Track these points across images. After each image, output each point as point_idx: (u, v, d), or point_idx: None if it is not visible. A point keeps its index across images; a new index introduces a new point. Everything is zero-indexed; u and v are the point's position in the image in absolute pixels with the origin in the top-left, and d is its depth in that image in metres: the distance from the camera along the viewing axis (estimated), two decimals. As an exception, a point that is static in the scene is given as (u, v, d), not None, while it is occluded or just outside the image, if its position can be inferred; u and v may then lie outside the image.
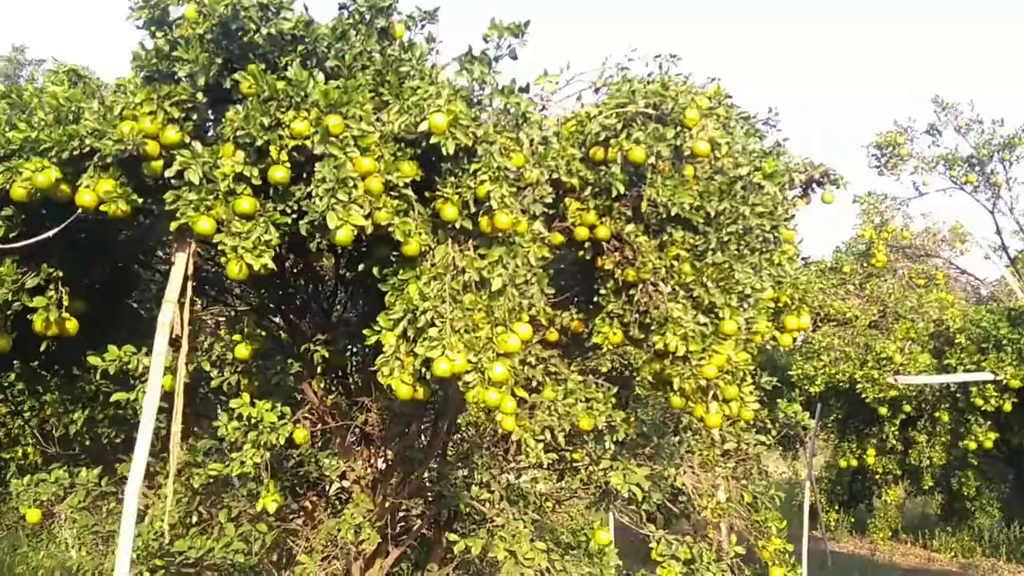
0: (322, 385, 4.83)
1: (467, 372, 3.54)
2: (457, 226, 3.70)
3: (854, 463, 10.18)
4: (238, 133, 3.40)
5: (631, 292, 4.42)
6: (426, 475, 5.53)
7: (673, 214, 4.19)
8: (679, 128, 4.27)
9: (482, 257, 3.71)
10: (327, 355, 4.56)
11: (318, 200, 3.26)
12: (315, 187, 3.28)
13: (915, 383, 8.55)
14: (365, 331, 3.71)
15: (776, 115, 5.45)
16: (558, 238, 4.60)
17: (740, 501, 5.22)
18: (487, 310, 3.65)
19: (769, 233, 4.58)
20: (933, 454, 10.86)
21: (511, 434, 4.42)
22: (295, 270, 4.92)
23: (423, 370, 3.57)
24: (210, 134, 3.79)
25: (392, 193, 3.53)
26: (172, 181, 3.51)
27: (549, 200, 4.12)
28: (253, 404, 4.23)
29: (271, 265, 3.48)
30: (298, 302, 5.03)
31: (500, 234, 3.72)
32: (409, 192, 3.58)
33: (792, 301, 4.87)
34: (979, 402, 8.50)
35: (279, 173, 3.43)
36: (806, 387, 9.31)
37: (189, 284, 3.96)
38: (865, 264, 9.97)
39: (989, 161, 11.51)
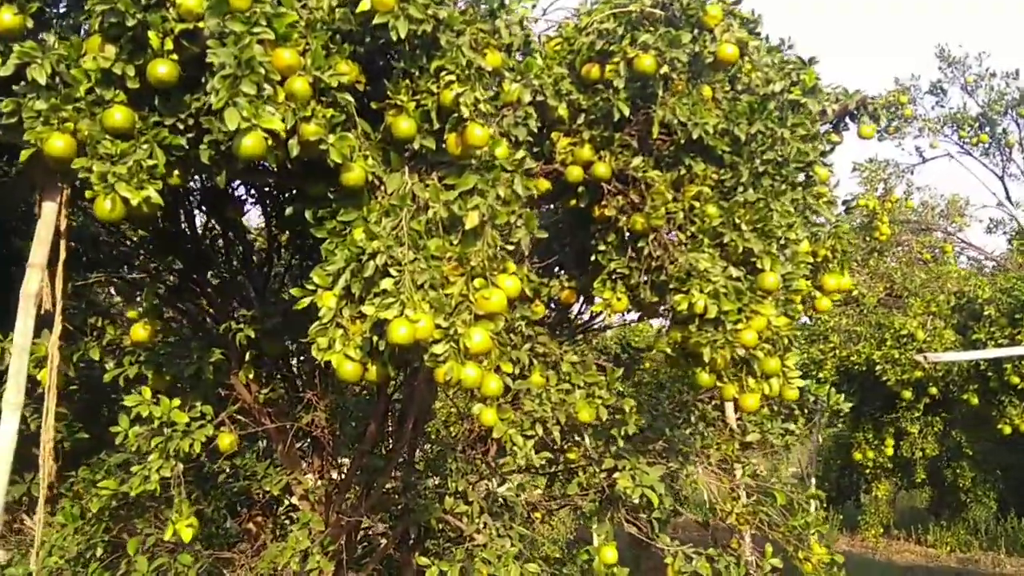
0: (252, 376, 3.82)
1: (435, 341, 2.58)
2: (416, 146, 2.74)
3: (871, 455, 9.32)
4: (101, 11, 2.41)
5: (639, 245, 3.53)
6: (389, 486, 4.58)
7: (695, 137, 3.27)
8: (697, 31, 3.36)
9: (451, 188, 2.75)
10: (252, 336, 3.56)
11: (214, 96, 2.27)
12: (210, 78, 2.30)
13: (946, 360, 7.70)
14: (294, 291, 2.73)
15: (790, 46, 4.59)
16: (543, 184, 3.68)
17: (772, 503, 4.29)
18: (460, 259, 2.69)
19: (807, 168, 3.69)
20: (926, 445, 10.14)
21: (492, 431, 3.50)
22: (213, 231, 3.91)
23: (375, 339, 2.59)
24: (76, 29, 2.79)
25: (325, 99, 2.57)
26: (14, 88, 2.52)
27: (533, 127, 3.18)
28: (157, 401, 3.25)
29: (157, 200, 2.49)
30: (224, 274, 4.03)
31: (474, 156, 2.76)
32: (348, 98, 2.61)
33: (833, 255, 3.95)
34: (1015, 380, 7.68)
35: (162, 68, 2.44)
36: (813, 373, 8.43)
37: (63, 242, 2.99)
38: (868, 238, 9.15)
39: (1002, 118, 10.67)
